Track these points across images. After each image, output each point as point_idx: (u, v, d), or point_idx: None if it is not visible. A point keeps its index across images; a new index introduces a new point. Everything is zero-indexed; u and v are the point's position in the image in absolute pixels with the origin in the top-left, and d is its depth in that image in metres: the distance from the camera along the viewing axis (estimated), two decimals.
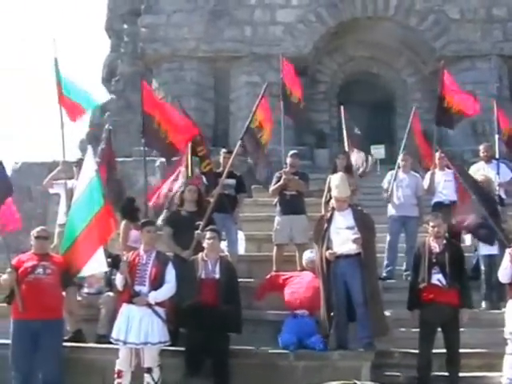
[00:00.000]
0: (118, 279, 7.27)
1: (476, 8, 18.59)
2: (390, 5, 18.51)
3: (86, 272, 7.39)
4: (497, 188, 10.17)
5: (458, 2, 18.60)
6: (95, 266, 7.20)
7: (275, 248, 9.69)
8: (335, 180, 8.10)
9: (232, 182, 9.95)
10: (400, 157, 10.60)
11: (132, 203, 9.17)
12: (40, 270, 7.14)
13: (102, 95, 20.94)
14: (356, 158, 11.79)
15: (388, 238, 10.13)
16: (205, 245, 7.63)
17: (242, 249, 10.93)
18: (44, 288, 7.06)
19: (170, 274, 7.31)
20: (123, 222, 8.91)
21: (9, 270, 7.12)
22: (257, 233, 11.50)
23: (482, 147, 11.42)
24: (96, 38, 37.00)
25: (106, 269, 7.44)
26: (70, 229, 7.32)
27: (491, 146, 11.33)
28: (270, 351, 7.66)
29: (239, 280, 7.99)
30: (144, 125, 9.60)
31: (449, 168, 10.44)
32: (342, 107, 12.59)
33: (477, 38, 18.40)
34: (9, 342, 7.12)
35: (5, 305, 7.35)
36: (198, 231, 8.19)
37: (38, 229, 7.61)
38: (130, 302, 7.13)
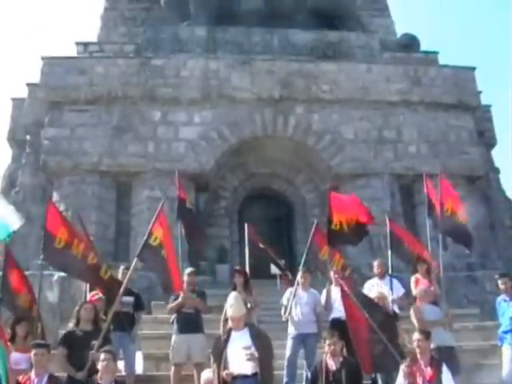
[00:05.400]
0: None
1: (369, 129, 19.74)
2: (288, 125, 19.38)
3: None
4: (390, 304, 10.45)
5: (352, 123, 19.71)
6: None
7: (173, 367, 9.55)
8: (230, 299, 8.14)
9: (130, 299, 9.84)
10: (299, 274, 10.76)
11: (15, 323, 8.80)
12: None
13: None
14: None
15: (287, 354, 10.16)
16: (99, 367, 7.41)
17: (139, 368, 10.69)
18: None
19: None
20: None
21: None
22: (155, 351, 11.30)
23: (375, 263, 11.80)
24: None
25: None
26: None
27: (384, 262, 11.71)
28: None
29: None
30: (44, 242, 9.59)
31: None
32: (246, 225, 12.72)
33: (370, 158, 19.39)
34: None
35: None
36: (93, 351, 7.97)
37: None
38: None
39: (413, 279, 11.99)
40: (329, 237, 11.19)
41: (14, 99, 23.04)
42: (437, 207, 11.33)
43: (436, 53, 22.68)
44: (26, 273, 15.38)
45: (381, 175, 19.31)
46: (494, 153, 22.98)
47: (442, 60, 22.50)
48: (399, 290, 11.26)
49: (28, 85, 21.71)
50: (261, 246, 12.24)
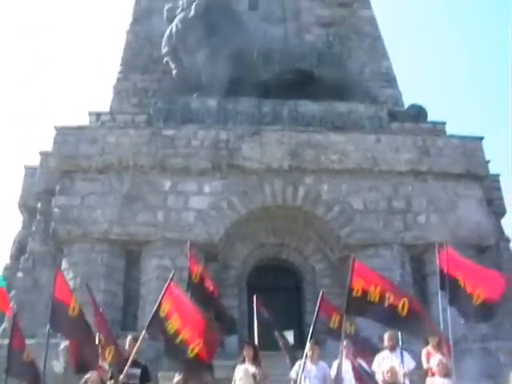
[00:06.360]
0: None
1: (378, 200, 19.79)
2: (298, 195, 19.48)
3: None
4: (401, 378, 10.27)
5: (361, 193, 19.79)
6: None
7: None
8: (239, 372, 8.06)
9: (137, 371, 9.69)
10: (307, 346, 10.59)
11: None
12: None
13: None
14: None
15: None
16: None
17: None
18: None
19: None
20: None
21: None
22: None
23: (385, 336, 11.64)
24: (8, 214, 36.71)
25: None
26: None
27: (395, 334, 11.54)
28: None
29: None
30: (53, 311, 9.58)
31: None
32: (254, 297, 12.60)
33: (379, 228, 19.36)
34: None
35: None
36: None
37: None
38: None
39: (424, 352, 11.83)
40: (348, 304, 10.94)
41: (26, 167, 23.39)
42: (447, 279, 11.20)
43: (443, 123, 22.93)
44: (33, 341, 15.43)
45: (390, 245, 19.24)
46: (504, 222, 22.95)
47: (449, 129, 22.76)
48: (410, 363, 11.08)
49: (41, 153, 22.04)
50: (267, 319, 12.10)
